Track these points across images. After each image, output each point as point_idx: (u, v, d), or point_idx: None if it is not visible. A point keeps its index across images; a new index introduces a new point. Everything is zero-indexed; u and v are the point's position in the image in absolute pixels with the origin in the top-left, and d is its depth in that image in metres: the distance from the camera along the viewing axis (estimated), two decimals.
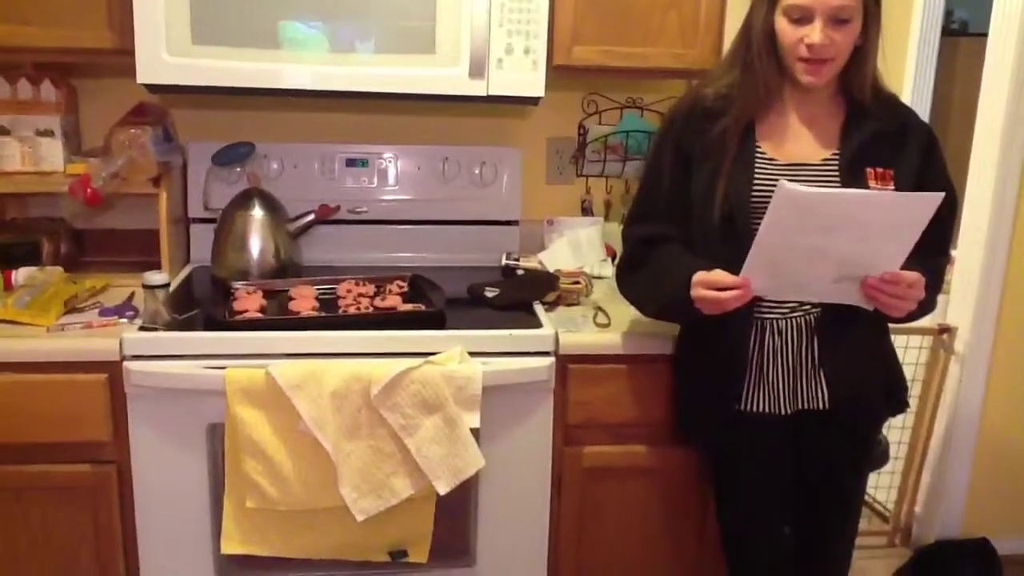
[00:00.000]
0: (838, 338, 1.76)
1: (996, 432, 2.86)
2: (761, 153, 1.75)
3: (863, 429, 1.92)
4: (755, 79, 1.73)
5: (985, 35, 2.66)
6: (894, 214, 1.56)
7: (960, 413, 2.82)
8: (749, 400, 1.80)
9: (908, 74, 2.98)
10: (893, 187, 1.71)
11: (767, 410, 1.79)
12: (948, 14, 3.24)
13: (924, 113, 3.00)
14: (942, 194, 1.54)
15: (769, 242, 1.58)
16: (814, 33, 1.63)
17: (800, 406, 1.79)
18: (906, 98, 2.95)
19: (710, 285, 1.66)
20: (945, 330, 2.80)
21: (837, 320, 1.74)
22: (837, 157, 1.74)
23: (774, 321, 1.76)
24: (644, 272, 1.85)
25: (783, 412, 1.79)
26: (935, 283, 1.73)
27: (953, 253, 2.77)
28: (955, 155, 2.65)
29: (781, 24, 1.67)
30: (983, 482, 2.89)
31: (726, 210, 1.71)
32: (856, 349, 1.78)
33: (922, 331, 2.77)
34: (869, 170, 1.72)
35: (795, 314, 1.76)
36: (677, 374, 1.99)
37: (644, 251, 1.85)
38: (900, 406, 1.92)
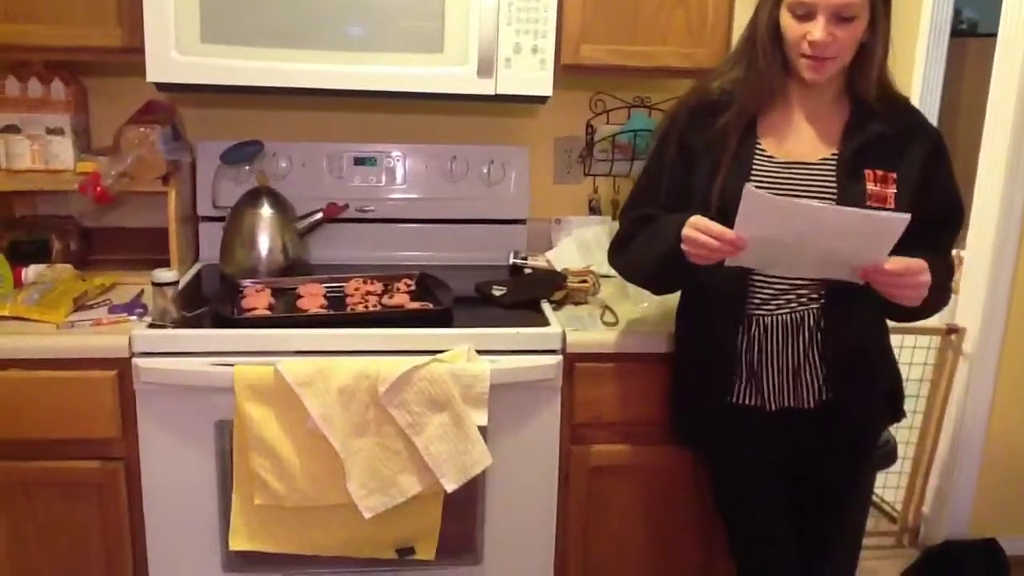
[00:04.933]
0: (836, 338, 1.75)
1: (1004, 432, 2.85)
2: (761, 150, 1.75)
3: (861, 428, 1.91)
4: (759, 75, 1.72)
5: (994, 35, 2.66)
6: (858, 229, 1.56)
7: (968, 413, 2.82)
8: (741, 394, 1.81)
9: (916, 75, 2.98)
10: (895, 190, 1.71)
11: (756, 404, 1.80)
12: (957, 14, 3.23)
13: (932, 114, 2.99)
14: (907, 216, 1.52)
15: (745, 233, 1.59)
16: (816, 30, 1.62)
17: (788, 403, 1.80)
18: (915, 99, 2.94)
19: (705, 229, 1.62)
20: (953, 331, 2.80)
21: (834, 320, 1.74)
22: (836, 157, 1.74)
23: (761, 317, 1.76)
24: (637, 239, 1.84)
25: (770, 408, 1.80)
26: (941, 278, 1.71)
27: (962, 254, 2.76)
28: (964, 156, 2.65)
29: (785, 20, 1.67)
30: (991, 482, 2.89)
31: (721, 206, 1.71)
32: (854, 351, 1.78)
33: (930, 331, 2.77)
34: (868, 172, 1.71)
35: (782, 311, 1.75)
36: (673, 371, 1.99)
37: (636, 228, 1.84)
38: (898, 413, 1.92)
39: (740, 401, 1.81)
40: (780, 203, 1.56)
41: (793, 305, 1.75)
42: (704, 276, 1.70)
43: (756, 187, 1.60)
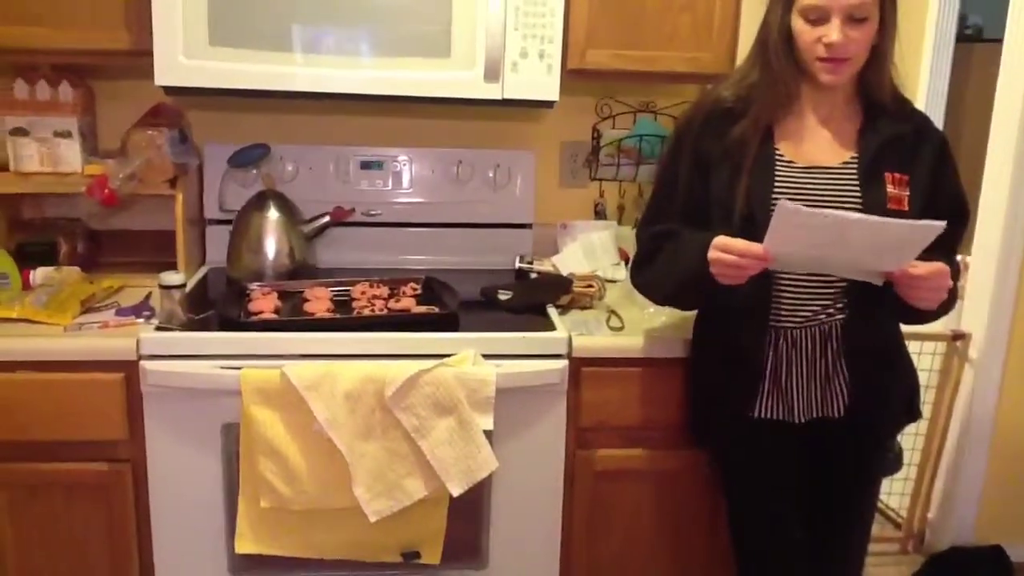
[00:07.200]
0: (862, 347, 1.76)
1: (1010, 438, 2.85)
2: (780, 156, 1.75)
3: (881, 436, 1.91)
4: (774, 81, 1.72)
5: (1000, 41, 2.66)
6: (891, 237, 1.57)
7: (974, 419, 2.81)
8: (763, 407, 1.80)
9: (922, 79, 2.97)
10: (908, 193, 1.71)
11: (782, 417, 1.80)
12: (962, 20, 3.23)
13: (938, 118, 2.99)
14: (943, 224, 1.54)
15: (776, 245, 1.59)
16: (832, 32, 1.62)
17: (816, 414, 1.80)
18: (920, 103, 2.94)
19: (729, 249, 1.62)
20: (959, 336, 2.79)
21: (860, 330, 1.74)
22: (856, 160, 1.74)
23: (789, 331, 1.76)
24: (660, 257, 1.83)
25: (798, 420, 1.80)
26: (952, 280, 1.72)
27: (967, 259, 2.76)
28: (969, 160, 2.64)
29: (798, 25, 1.67)
30: (997, 489, 2.88)
31: (746, 213, 1.71)
32: (879, 358, 1.79)
33: (936, 337, 2.76)
34: (887, 174, 1.72)
35: (810, 323, 1.75)
36: (692, 380, 1.99)
37: (659, 244, 1.84)
38: (915, 414, 1.93)
39: (763, 415, 1.80)
40: (816, 217, 1.55)
41: (821, 317, 1.75)
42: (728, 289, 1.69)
43: (780, 193, 1.60)
